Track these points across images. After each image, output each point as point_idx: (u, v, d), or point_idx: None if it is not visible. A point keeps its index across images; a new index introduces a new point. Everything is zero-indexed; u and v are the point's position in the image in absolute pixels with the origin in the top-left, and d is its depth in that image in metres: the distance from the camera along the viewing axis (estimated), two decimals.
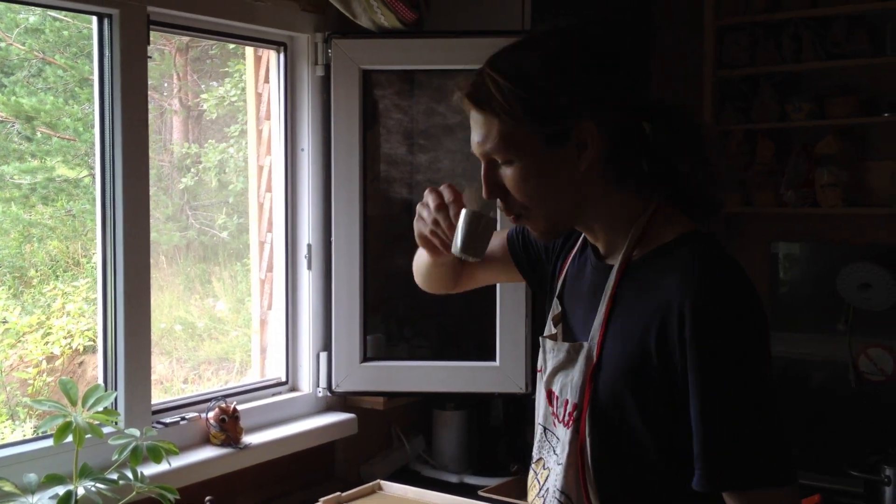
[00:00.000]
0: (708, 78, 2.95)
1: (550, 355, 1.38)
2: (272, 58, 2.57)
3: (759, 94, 2.93)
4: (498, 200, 1.34)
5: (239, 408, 2.30)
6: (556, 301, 1.45)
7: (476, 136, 1.32)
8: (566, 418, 1.33)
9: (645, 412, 1.26)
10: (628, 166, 1.31)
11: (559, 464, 1.34)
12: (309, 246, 2.56)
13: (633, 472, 1.29)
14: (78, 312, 4.02)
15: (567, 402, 1.33)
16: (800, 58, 2.86)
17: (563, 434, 1.33)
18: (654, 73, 3.13)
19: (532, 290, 1.64)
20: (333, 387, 2.53)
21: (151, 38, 2.15)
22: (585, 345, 1.32)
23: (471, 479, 2.59)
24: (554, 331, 1.42)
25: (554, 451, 1.37)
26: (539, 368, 1.44)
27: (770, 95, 2.91)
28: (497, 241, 1.62)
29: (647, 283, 1.28)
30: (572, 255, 1.46)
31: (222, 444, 2.23)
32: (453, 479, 2.61)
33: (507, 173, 1.30)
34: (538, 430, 1.42)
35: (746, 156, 2.97)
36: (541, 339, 1.43)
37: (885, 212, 2.80)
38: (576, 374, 1.32)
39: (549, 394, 1.38)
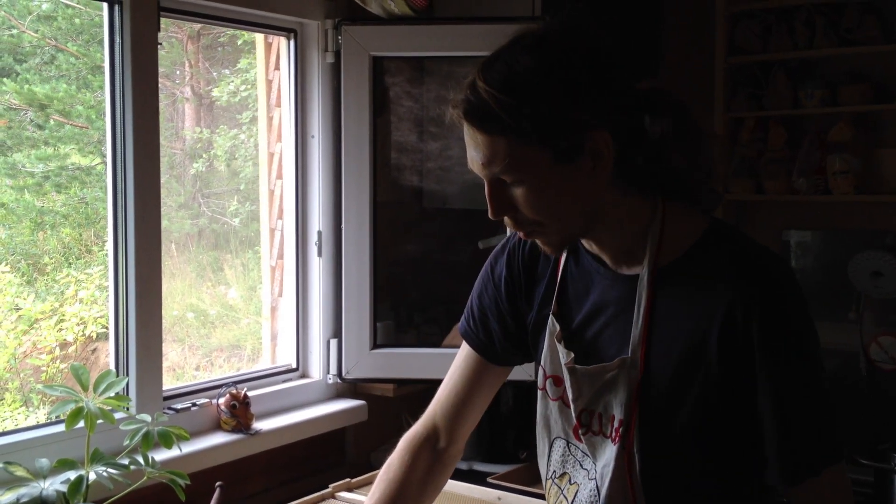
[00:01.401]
0: (720, 65, 2.94)
1: (586, 380, 1.31)
2: (282, 44, 2.57)
3: (772, 80, 2.91)
4: (506, 218, 1.27)
5: (250, 394, 2.31)
6: (552, 320, 1.37)
7: (478, 157, 1.22)
8: (613, 434, 1.30)
9: (699, 419, 1.25)
10: (635, 168, 1.24)
11: (592, 479, 1.32)
12: (319, 233, 2.56)
13: (682, 480, 1.28)
14: (91, 299, 4.04)
15: (613, 417, 1.29)
16: (813, 44, 2.84)
17: (609, 449, 1.30)
18: (665, 60, 3.12)
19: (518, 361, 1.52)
20: (343, 374, 2.54)
21: (162, 25, 2.15)
22: (627, 360, 1.27)
23: (480, 466, 2.59)
24: (571, 355, 1.33)
25: (581, 465, 1.35)
26: (557, 397, 1.37)
27: (783, 82, 2.90)
28: (460, 368, 1.53)
29: (688, 289, 1.25)
30: (561, 272, 1.38)
31: (233, 430, 2.24)
32: (462, 465, 2.61)
33: (517, 192, 1.22)
34: (559, 444, 1.39)
35: (759, 143, 2.96)
36: (567, 367, 1.33)
37: None
38: (620, 390, 1.28)
39: (585, 412, 1.33)
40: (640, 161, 1.25)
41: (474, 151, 1.23)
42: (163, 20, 2.15)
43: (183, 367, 4.13)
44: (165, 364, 2.22)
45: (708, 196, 1.31)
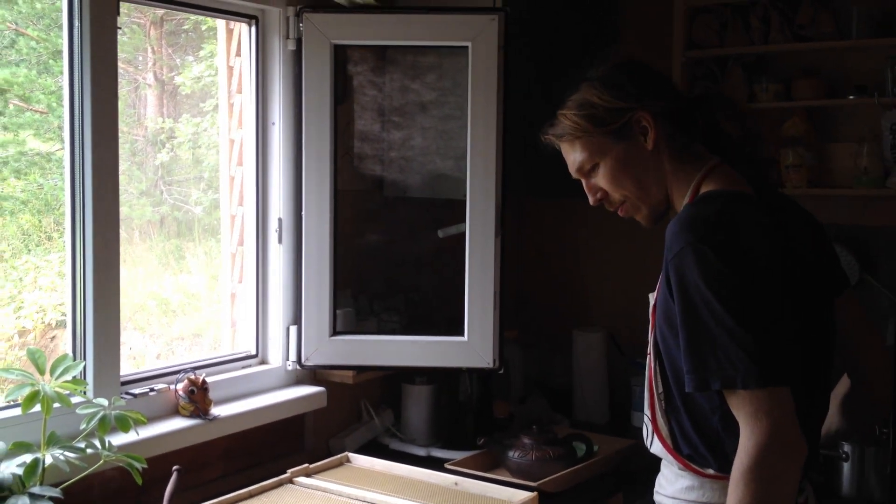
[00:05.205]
0: (677, 59, 2.98)
1: None
2: (244, 31, 2.58)
3: (728, 75, 2.96)
4: (603, 203, 1.67)
5: (209, 380, 2.32)
6: None
7: (569, 161, 1.67)
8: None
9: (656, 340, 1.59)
10: (686, 142, 1.60)
11: None
12: (279, 220, 2.57)
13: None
14: (51, 287, 4.00)
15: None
16: (768, 39, 2.89)
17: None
18: (622, 53, 3.15)
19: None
20: (303, 360, 2.55)
21: (125, 11, 2.14)
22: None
23: (438, 453, 2.62)
24: None
25: None
26: None
27: (739, 76, 2.94)
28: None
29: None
30: None
31: (191, 416, 2.25)
32: (421, 452, 2.64)
33: (600, 177, 1.63)
34: None
35: None
36: None
37: (848, 193, 2.85)
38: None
39: None
40: (685, 137, 1.59)
41: (567, 160, 1.67)
42: (123, 5, 2.14)
43: (143, 356, 4.11)
44: (127, 352, 2.22)
45: (757, 161, 1.63)
